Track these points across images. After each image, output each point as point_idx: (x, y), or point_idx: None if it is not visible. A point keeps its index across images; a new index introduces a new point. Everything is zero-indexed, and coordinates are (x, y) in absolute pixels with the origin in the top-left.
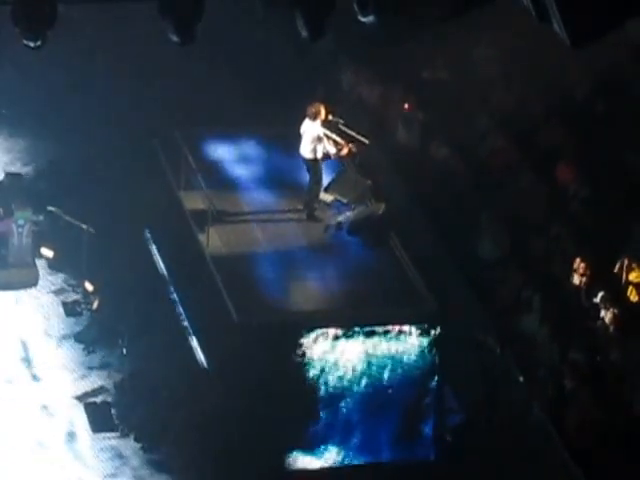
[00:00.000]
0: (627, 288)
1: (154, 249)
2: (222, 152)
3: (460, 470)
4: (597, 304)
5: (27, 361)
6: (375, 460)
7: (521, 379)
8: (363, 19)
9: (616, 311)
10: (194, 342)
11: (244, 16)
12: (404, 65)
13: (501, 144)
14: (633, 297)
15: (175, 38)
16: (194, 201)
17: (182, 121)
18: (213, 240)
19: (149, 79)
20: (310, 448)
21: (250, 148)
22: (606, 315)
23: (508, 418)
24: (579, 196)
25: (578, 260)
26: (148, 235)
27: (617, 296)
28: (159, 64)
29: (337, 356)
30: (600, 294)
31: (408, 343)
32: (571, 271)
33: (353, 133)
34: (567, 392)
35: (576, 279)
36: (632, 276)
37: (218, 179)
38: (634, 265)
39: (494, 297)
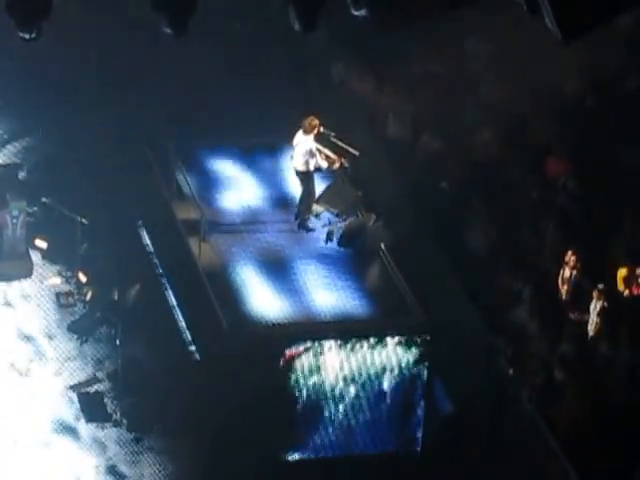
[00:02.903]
0: (616, 281)
1: (147, 241)
2: (214, 163)
3: (448, 463)
4: (587, 297)
5: (20, 352)
6: (363, 452)
7: (511, 372)
8: (355, 12)
9: (606, 304)
10: (187, 335)
11: (235, 15)
12: (395, 58)
13: (491, 138)
14: (622, 290)
15: (169, 31)
16: (186, 211)
17: (175, 131)
18: (205, 250)
19: (145, 87)
20: (300, 441)
21: (242, 159)
22: (596, 308)
23: (497, 411)
24: (568, 190)
25: (570, 253)
26: (141, 227)
27: (606, 289)
28: (154, 74)
29: (326, 365)
30: (590, 287)
31: (398, 352)
32: (562, 264)
33: (344, 145)
34: (557, 384)
35: (567, 272)
36: (621, 269)
37: (210, 190)
38: (623, 258)
39: (484, 291)
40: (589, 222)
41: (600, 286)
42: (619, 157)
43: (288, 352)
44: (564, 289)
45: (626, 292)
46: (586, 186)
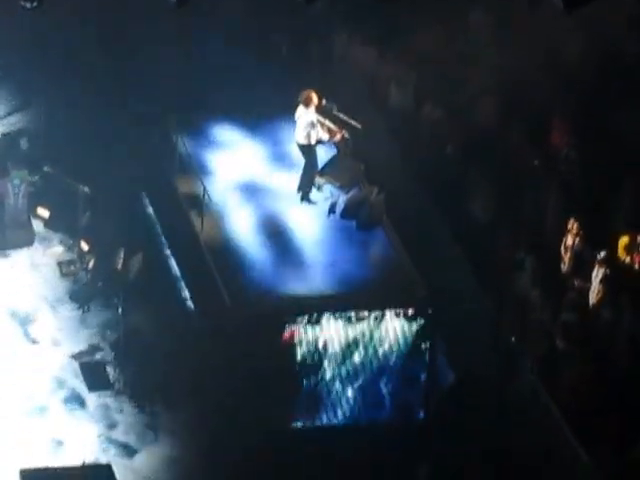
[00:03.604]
0: (618, 249)
1: (150, 211)
2: (216, 135)
3: (450, 430)
4: (589, 265)
5: (22, 321)
6: (365, 421)
7: (513, 340)
8: None
9: (608, 272)
10: (189, 304)
11: None
12: (398, 27)
13: (493, 107)
14: (624, 258)
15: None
16: (188, 184)
17: (176, 103)
18: (207, 223)
19: (146, 59)
20: (302, 409)
21: (244, 131)
22: (598, 275)
23: (500, 380)
24: (570, 158)
25: (572, 220)
26: (144, 197)
27: (608, 257)
28: (155, 46)
29: (328, 337)
30: (592, 255)
31: (399, 325)
32: (564, 232)
33: (346, 118)
34: (559, 352)
35: (569, 240)
36: (623, 237)
37: (212, 162)
38: (625, 226)
39: (486, 260)
40: (591, 191)
41: (602, 254)
42: (620, 125)
43: (288, 331)
44: (566, 257)
45: (628, 260)
46: (588, 154)
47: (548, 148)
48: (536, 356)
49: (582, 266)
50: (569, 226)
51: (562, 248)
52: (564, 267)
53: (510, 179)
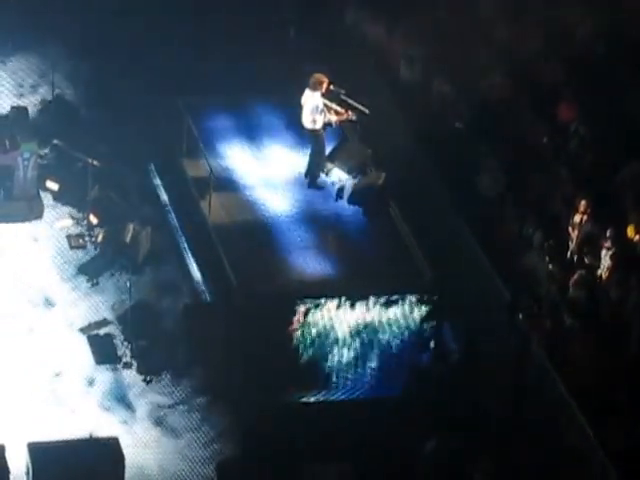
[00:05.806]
0: (627, 227)
1: (159, 185)
2: (224, 120)
3: (457, 405)
4: (597, 242)
5: (31, 294)
6: (372, 398)
7: (520, 316)
8: None
9: (616, 249)
10: (197, 279)
11: None
12: (407, 2)
13: (502, 82)
14: (632, 235)
15: None
16: (196, 169)
17: (184, 86)
18: (215, 208)
19: (154, 47)
20: (311, 384)
21: (252, 117)
22: (606, 253)
23: (507, 354)
24: (579, 134)
25: (580, 198)
26: (154, 173)
27: (617, 235)
28: (164, 32)
29: (334, 321)
30: (600, 233)
31: (406, 309)
32: (573, 209)
33: (354, 103)
34: (566, 329)
35: (578, 218)
36: (632, 215)
37: (220, 147)
38: (634, 204)
39: (495, 236)
40: (599, 167)
41: (610, 232)
42: (629, 102)
43: (293, 313)
44: (574, 235)
45: (636, 238)
46: (596, 130)
47: (557, 124)
48: (544, 332)
49: (591, 244)
50: (577, 204)
51: (570, 226)
52: (572, 245)
53: (519, 155)
